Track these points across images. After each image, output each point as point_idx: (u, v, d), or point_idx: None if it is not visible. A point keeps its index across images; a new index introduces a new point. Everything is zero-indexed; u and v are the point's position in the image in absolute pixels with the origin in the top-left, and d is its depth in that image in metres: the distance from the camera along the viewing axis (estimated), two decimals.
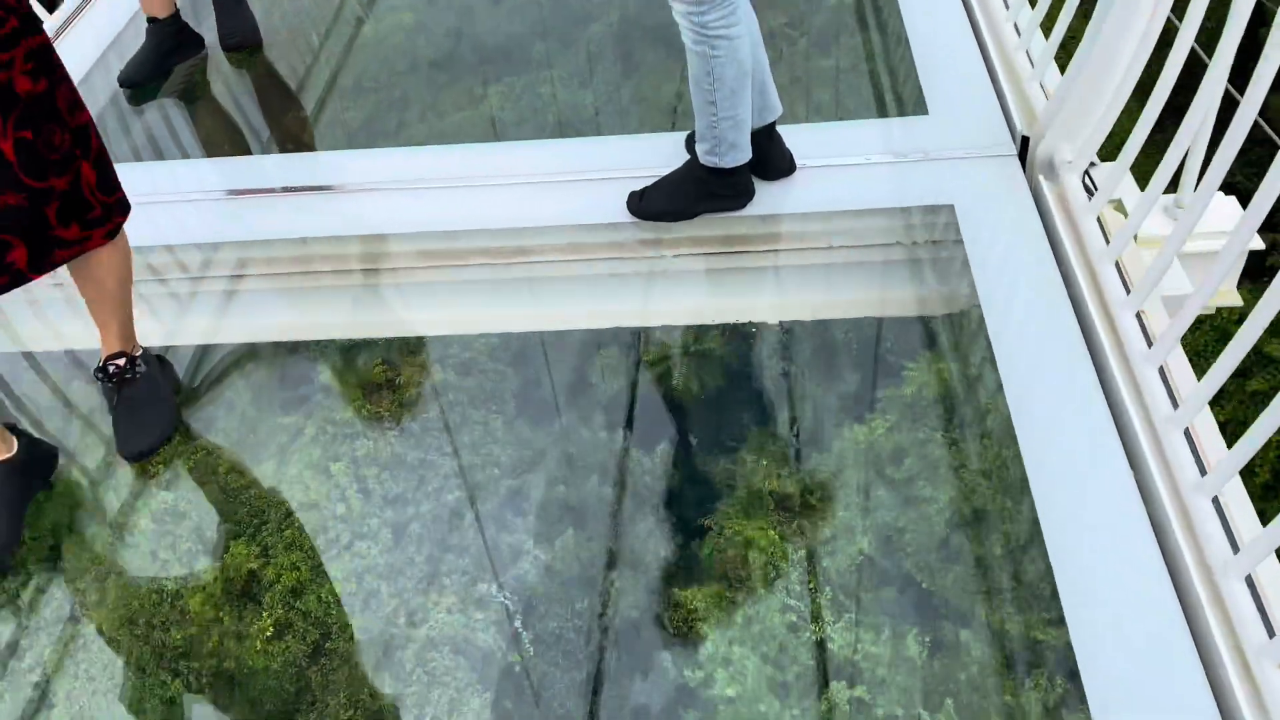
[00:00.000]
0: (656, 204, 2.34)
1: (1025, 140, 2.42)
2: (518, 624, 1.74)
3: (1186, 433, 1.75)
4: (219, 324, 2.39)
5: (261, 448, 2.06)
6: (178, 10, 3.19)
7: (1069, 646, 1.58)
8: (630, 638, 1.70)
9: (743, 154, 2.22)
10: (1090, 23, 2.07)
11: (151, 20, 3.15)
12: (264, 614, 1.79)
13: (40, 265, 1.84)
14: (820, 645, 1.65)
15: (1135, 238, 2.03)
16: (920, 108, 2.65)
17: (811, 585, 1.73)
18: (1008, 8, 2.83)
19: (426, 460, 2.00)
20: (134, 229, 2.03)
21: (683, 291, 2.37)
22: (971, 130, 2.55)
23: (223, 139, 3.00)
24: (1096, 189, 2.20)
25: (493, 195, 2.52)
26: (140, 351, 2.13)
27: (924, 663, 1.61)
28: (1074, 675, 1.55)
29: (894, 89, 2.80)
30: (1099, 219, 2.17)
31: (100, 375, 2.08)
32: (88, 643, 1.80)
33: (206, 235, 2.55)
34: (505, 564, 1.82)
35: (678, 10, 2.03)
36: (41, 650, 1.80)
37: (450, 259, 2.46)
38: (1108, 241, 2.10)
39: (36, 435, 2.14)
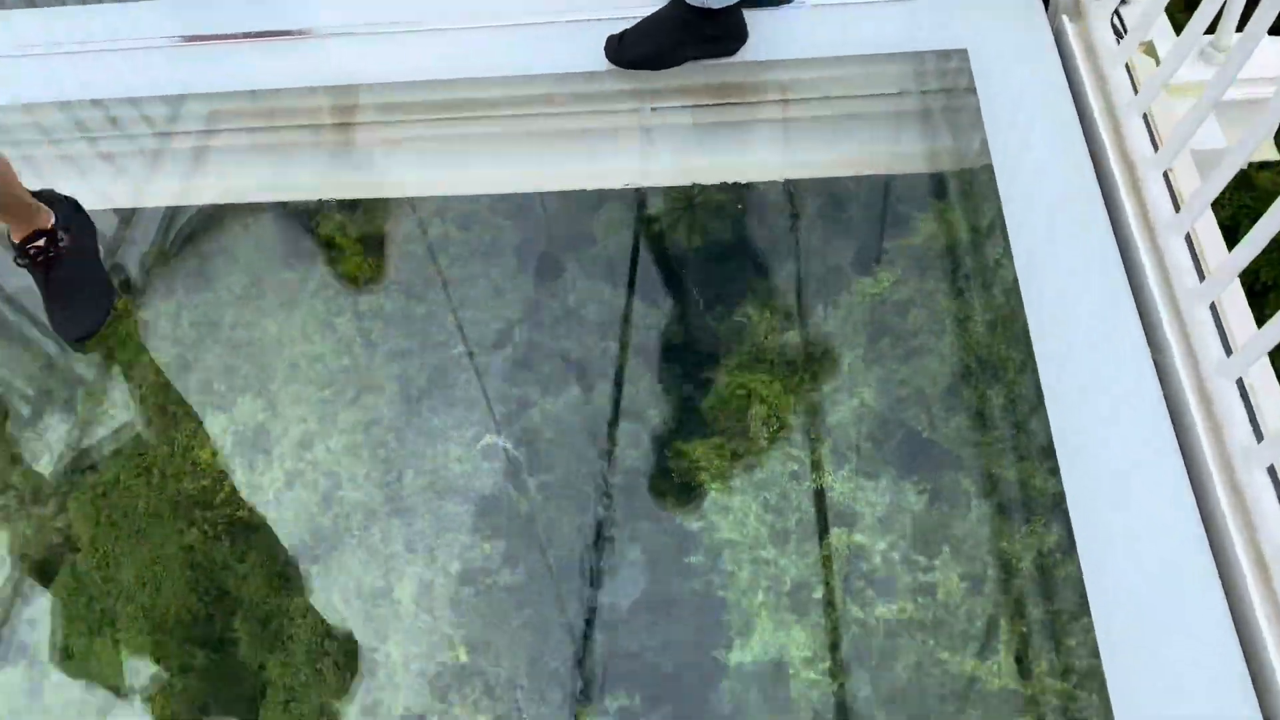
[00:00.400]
0: (637, 49, 2.13)
1: None
2: (524, 473, 1.77)
3: (1212, 308, 1.62)
4: (190, 184, 2.31)
5: (264, 302, 2.06)
6: None
7: (1064, 496, 1.61)
8: (634, 487, 1.73)
9: None
10: None
11: None
12: (274, 465, 1.83)
13: None
14: (820, 494, 1.68)
15: (1167, 86, 1.85)
16: None
17: (813, 435, 1.75)
18: None
19: (431, 314, 2.00)
20: (85, 76, 1.92)
21: (670, 148, 2.25)
22: None
23: None
24: (1126, 31, 2.03)
25: (459, 40, 2.30)
26: (54, 221, 1.92)
27: (923, 511, 1.65)
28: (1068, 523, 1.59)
29: None
30: (1127, 65, 1.99)
31: (21, 260, 1.91)
32: (107, 490, 1.84)
33: (168, 86, 2.32)
34: (512, 415, 1.84)
35: None
36: (63, 496, 1.85)
37: (421, 113, 2.32)
38: (1136, 91, 1.94)
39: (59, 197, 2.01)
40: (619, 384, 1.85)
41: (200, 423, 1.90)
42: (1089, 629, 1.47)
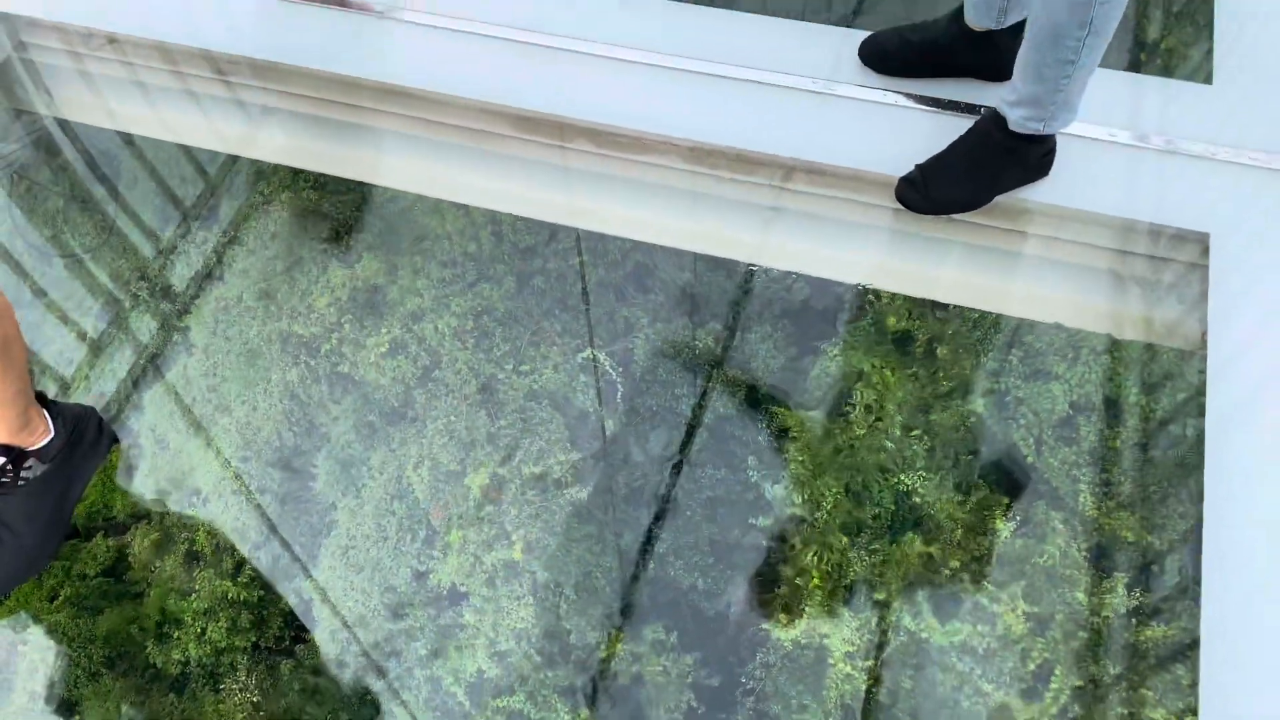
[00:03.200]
0: (949, 191, 1.81)
1: None
2: (618, 394, 1.77)
3: None
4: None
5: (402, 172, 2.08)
6: None
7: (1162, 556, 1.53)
8: (721, 435, 1.72)
9: (1076, 113, 1.71)
10: None
11: None
12: (383, 329, 1.87)
13: None
14: (905, 494, 1.64)
15: None
16: (1201, 73, 2.03)
17: (914, 433, 1.70)
18: None
19: (558, 223, 1.98)
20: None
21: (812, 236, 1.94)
22: (1262, 119, 1.90)
23: None
24: None
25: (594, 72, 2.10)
26: (41, 444, 1.55)
27: (1006, 538, 1.60)
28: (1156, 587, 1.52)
29: (1171, 31, 2.13)
30: None
31: None
32: (229, 306, 1.91)
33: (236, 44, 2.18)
34: (617, 334, 1.83)
35: None
36: (188, 299, 1.92)
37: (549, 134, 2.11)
38: None
39: (69, 405, 1.73)
40: (732, 329, 1.82)
41: (325, 269, 1.95)
42: (1145, 702, 1.42)
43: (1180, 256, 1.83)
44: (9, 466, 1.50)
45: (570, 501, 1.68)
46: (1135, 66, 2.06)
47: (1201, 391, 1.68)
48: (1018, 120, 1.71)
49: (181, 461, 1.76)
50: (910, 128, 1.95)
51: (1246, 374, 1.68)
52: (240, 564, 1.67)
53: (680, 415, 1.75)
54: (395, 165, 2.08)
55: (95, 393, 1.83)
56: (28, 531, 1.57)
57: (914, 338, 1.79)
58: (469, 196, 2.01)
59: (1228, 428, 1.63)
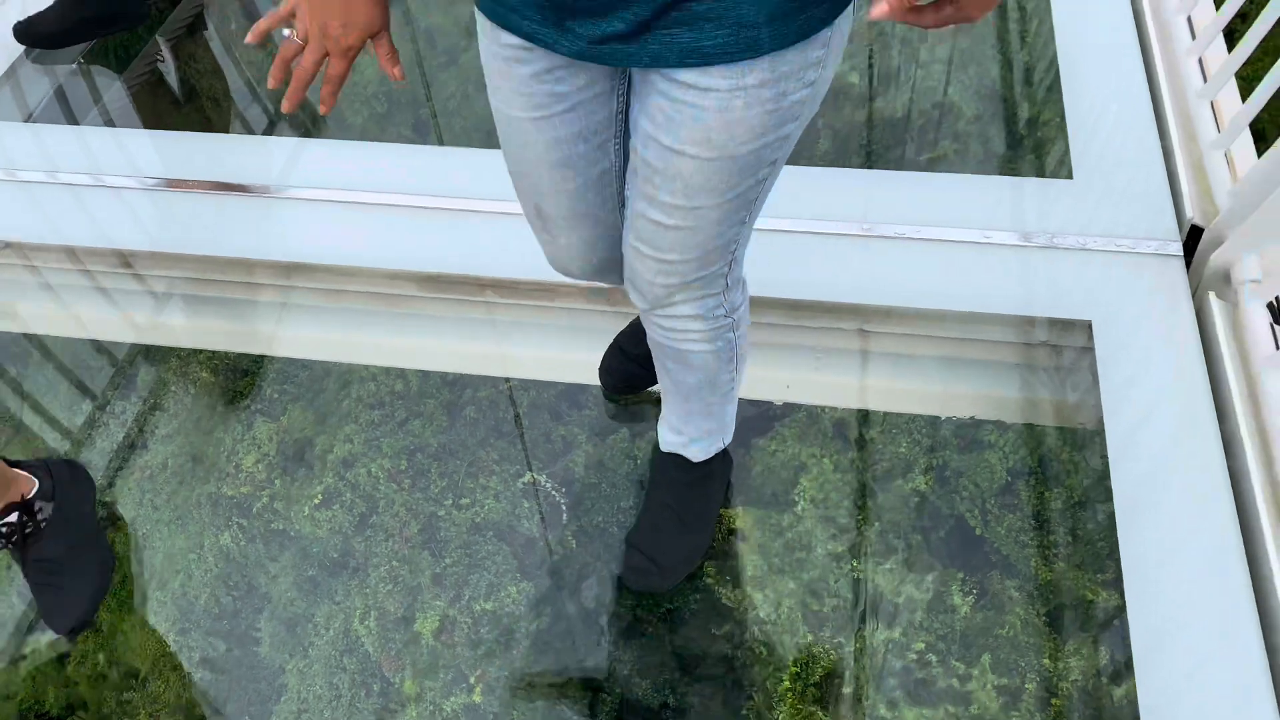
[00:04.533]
0: (683, 555, 1.66)
1: (1195, 231, 1.87)
2: (563, 516, 1.75)
3: None
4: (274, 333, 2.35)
5: (329, 318, 2.07)
6: None
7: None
8: None
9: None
10: None
11: None
12: (314, 481, 1.83)
13: None
14: (859, 581, 1.63)
15: None
16: (1063, 169, 2.14)
17: (859, 519, 1.70)
18: (1194, 37, 2.13)
19: (474, 374, 1.98)
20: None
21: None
22: (1125, 208, 2.00)
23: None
24: None
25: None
26: (35, 490, 1.67)
27: (966, 613, 1.59)
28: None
29: (1030, 134, 2.24)
30: None
31: None
32: (153, 474, 1.86)
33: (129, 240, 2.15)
34: (556, 454, 1.82)
35: (681, 313, 1.32)
36: (112, 470, 1.86)
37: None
38: None
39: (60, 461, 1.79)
40: None
41: (250, 426, 1.91)
42: None
43: (1073, 344, 1.89)
44: (25, 518, 1.61)
45: (526, 634, 1.63)
46: (1007, 167, 2.17)
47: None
48: (700, 452, 1.63)
49: (116, 643, 1.68)
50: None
51: (1144, 450, 1.71)
52: None
53: (629, 530, 1.72)
54: (300, 336, 2.07)
55: (19, 582, 1.75)
56: (80, 555, 1.68)
57: (846, 423, 1.81)
58: (379, 358, 2.00)
59: (1135, 508, 1.65)
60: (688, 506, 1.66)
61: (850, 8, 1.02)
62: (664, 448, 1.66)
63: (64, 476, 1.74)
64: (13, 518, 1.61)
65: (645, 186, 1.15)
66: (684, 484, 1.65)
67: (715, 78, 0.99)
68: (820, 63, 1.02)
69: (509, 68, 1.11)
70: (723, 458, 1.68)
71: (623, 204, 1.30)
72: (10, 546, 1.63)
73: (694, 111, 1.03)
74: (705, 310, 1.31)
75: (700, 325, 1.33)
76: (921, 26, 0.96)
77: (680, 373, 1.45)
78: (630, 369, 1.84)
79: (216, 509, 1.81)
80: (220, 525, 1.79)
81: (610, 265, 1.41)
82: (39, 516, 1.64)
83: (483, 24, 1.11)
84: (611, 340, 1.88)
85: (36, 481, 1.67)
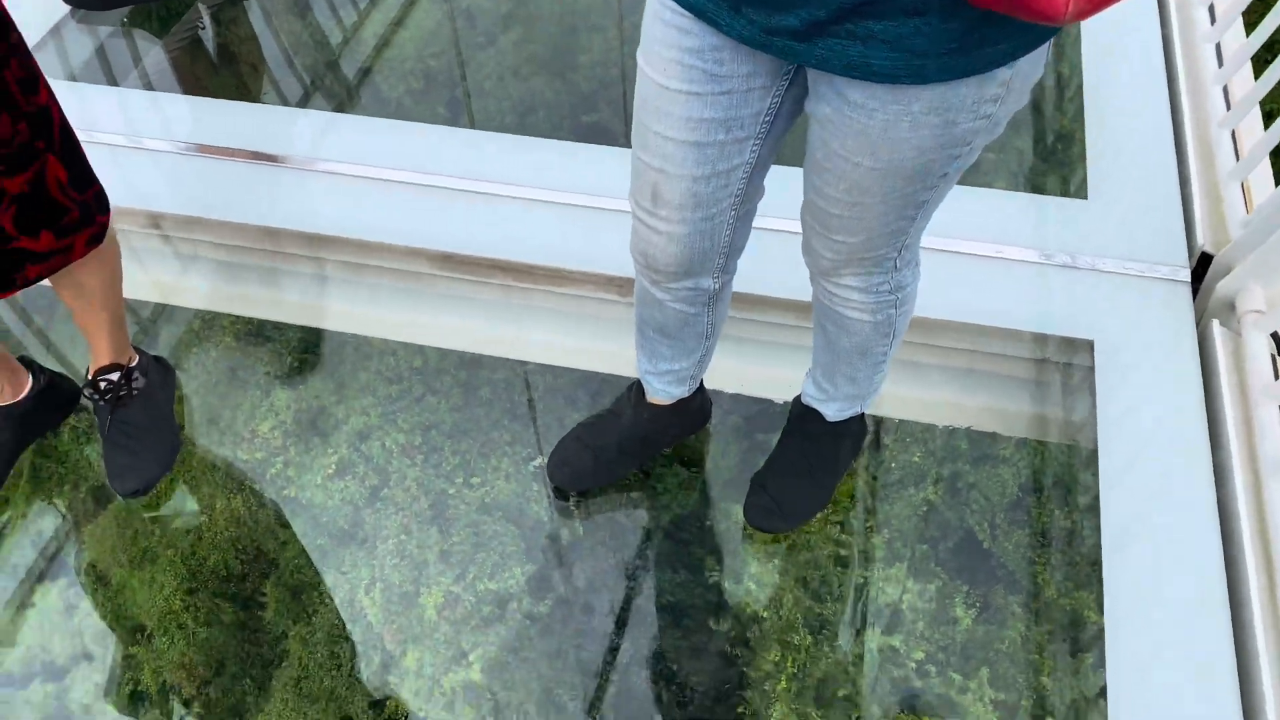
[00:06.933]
0: (806, 506, 1.71)
1: (1204, 257, 1.86)
2: (571, 501, 1.76)
3: None
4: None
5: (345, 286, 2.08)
6: None
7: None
8: (677, 538, 1.71)
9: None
10: None
11: None
12: (329, 450, 1.85)
13: (3, 284, 1.48)
14: (862, 587, 1.63)
15: None
16: (1080, 189, 2.12)
17: (867, 525, 1.70)
18: (1220, 63, 2.11)
19: (485, 354, 1.99)
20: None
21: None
22: (1139, 231, 1.99)
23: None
24: None
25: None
26: (136, 361, 1.81)
27: (968, 625, 1.59)
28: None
29: (1049, 152, 2.24)
30: None
31: (90, 393, 1.78)
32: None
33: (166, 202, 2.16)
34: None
35: (847, 284, 1.36)
36: None
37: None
38: None
39: (56, 372, 1.90)
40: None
41: (268, 393, 1.93)
42: None
43: (1079, 362, 1.89)
44: (123, 380, 1.76)
45: (528, 615, 1.65)
46: (1024, 184, 2.17)
47: None
48: (835, 412, 1.65)
49: (124, 597, 1.71)
50: None
51: (1136, 478, 1.70)
52: (188, 701, 1.60)
53: (636, 519, 1.73)
54: (322, 307, 2.09)
55: (32, 531, 1.77)
56: (157, 430, 1.82)
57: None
58: (399, 333, 2.01)
59: (1123, 536, 1.65)
60: (817, 460, 1.69)
61: (1040, 52, 1.02)
62: (804, 400, 1.68)
63: (158, 366, 1.90)
64: (115, 375, 1.76)
65: (815, 175, 1.18)
66: (816, 438, 1.69)
67: (882, 98, 1.02)
68: (997, 99, 1.03)
69: (670, 34, 1.11)
70: (859, 421, 1.71)
71: (745, 199, 1.29)
72: (104, 402, 1.77)
73: (861, 125, 1.06)
74: (870, 285, 1.35)
75: (863, 297, 1.37)
76: None
77: (836, 335, 1.48)
78: (587, 461, 1.75)
79: (230, 472, 1.83)
80: (233, 489, 1.81)
81: (699, 269, 1.37)
82: (134, 385, 1.79)
83: None
84: (571, 428, 1.80)
85: (138, 357, 1.82)
